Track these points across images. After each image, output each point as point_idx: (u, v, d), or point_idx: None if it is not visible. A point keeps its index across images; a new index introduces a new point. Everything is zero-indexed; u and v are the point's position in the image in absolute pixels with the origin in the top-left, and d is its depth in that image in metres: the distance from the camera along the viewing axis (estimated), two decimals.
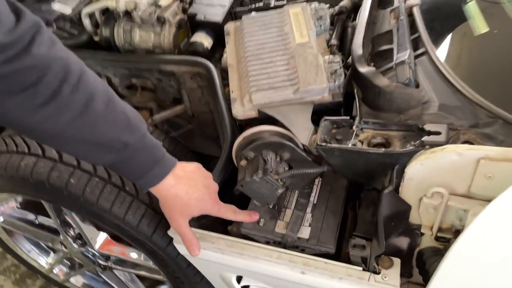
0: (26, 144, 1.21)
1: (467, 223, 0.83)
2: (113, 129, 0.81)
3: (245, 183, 0.97)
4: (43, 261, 1.66)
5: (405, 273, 1.08)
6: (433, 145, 0.84)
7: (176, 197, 0.93)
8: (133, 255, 1.43)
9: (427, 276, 0.99)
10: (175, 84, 1.53)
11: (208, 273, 1.17)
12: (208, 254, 1.06)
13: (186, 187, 0.94)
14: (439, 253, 1.00)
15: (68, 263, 1.66)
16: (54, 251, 1.61)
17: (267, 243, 1.04)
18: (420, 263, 1.03)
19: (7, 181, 1.25)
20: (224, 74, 1.36)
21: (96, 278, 1.71)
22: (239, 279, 1.14)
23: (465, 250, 0.81)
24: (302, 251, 1.02)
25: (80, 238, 1.42)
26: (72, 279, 1.69)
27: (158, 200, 0.98)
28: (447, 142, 0.84)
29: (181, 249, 1.09)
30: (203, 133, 1.67)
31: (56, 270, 1.67)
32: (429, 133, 0.86)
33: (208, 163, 1.62)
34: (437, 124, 0.88)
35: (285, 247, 1.03)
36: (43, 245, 1.62)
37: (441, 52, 1.00)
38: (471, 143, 0.86)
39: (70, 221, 1.41)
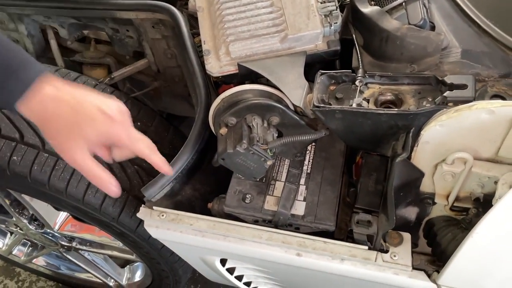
0: None
1: (499, 194, 0.69)
2: None
3: (227, 155, 0.79)
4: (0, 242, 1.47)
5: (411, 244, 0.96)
6: (458, 101, 0.69)
7: (59, 115, 0.67)
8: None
9: (438, 248, 0.88)
10: (135, 35, 1.31)
11: (187, 256, 1.02)
12: (187, 237, 0.91)
13: (73, 100, 0.67)
14: (452, 224, 0.88)
15: (29, 243, 1.49)
16: (12, 232, 1.42)
17: (256, 222, 0.89)
18: (430, 234, 0.91)
19: None
20: (192, 21, 1.15)
21: (62, 257, 1.55)
22: (223, 260, 1.00)
23: (498, 225, 0.68)
24: (297, 229, 0.88)
25: (36, 219, 1.24)
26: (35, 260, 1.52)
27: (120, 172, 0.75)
28: (474, 97, 0.69)
29: (154, 232, 0.92)
30: (171, 91, 1.46)
31: (15, 251, 1.49)
32: (452, 86, 0.70)
33: (179, 125, 1.43)
34: (461, 75, 0.71)
35: (276, 226, 0.88)
36: None
37: None
38: (502, 98, 0.71)
39: (22, 201, 1.22)
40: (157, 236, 0.94)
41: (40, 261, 1.53)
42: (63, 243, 1.29)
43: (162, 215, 0.92)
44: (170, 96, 1.49)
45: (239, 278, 1.07)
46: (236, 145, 0.78)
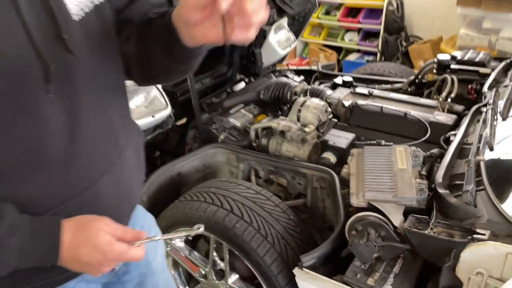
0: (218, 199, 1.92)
1: None
2: None
3: (354, 243, 1.54)
4: None
5: None
6: (480, 240, 1.37)
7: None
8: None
9: None
10: (303, 183, 2.20)
11: None
12: None
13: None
14: None
15: None
16: (189, 283, 2.19)
17: None
18: None
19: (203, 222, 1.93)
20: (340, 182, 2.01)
21: None
22: None
23: None
24: None
25: (220, 272, 2.01)
26: None
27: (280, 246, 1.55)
28: (488, 239, 1.37)
29: (301, 283, 1.64)
30: (312, 223, 2.27)
31: None
32: (478, 233, 1.40)
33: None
34: (485, 230, 1.41)
35: None
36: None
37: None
38: None
39: (216, 258, 2.01)
40: (301, 286, 1.64)
41: None
42: None
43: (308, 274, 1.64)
44: (310, 227, 2.29)
45: None
46: (360, 240, 1.53)
